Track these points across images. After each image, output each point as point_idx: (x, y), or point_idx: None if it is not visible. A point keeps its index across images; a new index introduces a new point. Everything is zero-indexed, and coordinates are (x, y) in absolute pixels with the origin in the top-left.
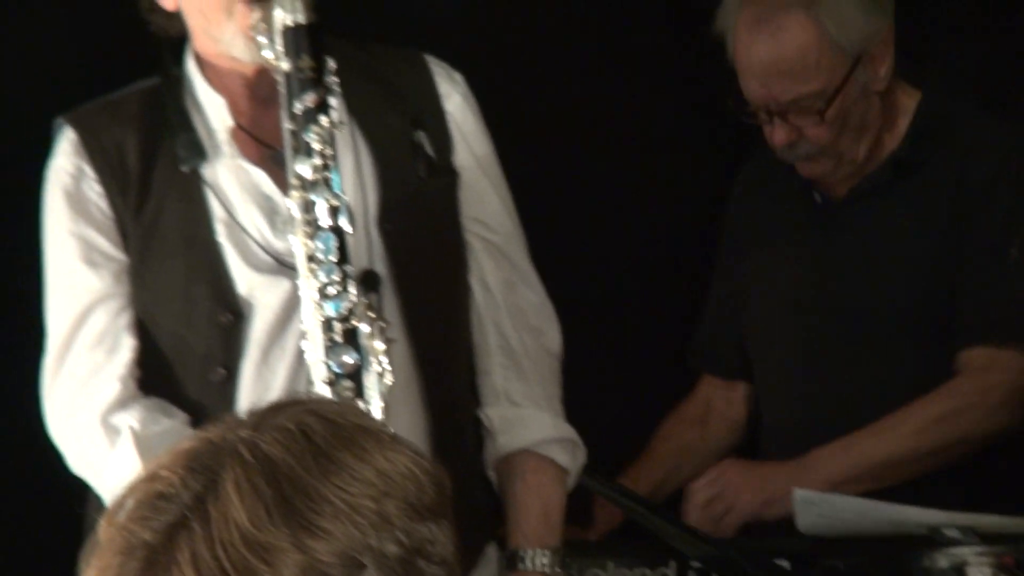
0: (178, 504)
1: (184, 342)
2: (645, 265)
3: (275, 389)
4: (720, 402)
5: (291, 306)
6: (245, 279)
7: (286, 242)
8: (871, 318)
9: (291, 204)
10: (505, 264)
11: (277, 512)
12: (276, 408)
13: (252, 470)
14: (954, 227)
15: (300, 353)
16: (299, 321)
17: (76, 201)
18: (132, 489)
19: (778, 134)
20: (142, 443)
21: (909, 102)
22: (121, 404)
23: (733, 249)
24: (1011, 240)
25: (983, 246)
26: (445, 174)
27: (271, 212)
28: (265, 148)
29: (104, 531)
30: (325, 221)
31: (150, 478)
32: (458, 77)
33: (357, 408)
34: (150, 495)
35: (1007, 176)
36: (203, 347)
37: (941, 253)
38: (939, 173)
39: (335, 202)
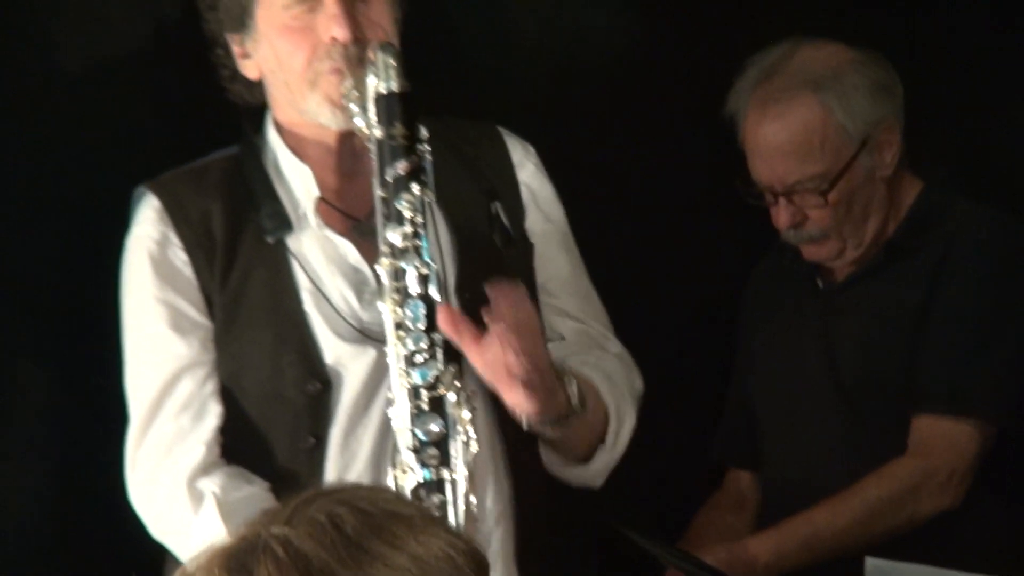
0: None
1: (273, 410)
2: (671, 356)
3: (361, 456)
4: (751, 491)
5: (377, 375)
6: (332, 348)
7: (372, 312)
8: (865, 394)
9: (381, 271)
10: (580, 328)
11: None
12: (307, 500)
13: (286, 567)
14: (929, 300)
15: (386, 421)
16: (385, 389)
17: (162, 267)
18: None
19: (783, 215)
20: (225, 509)
21: (912, 191)
22: (205, 470)
23: (746, 342)
24: (981, 314)
25: (947, 314)
26: (520, 243)
27: (357, 282)
28: (348, 219)
29: None
30: (414, 289)
31: None
32: (530, 148)
33: (389, 493)
34: None
35: (982, 254)
36: (292, 415)
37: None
38: (924, 255)
39: (424, 270)
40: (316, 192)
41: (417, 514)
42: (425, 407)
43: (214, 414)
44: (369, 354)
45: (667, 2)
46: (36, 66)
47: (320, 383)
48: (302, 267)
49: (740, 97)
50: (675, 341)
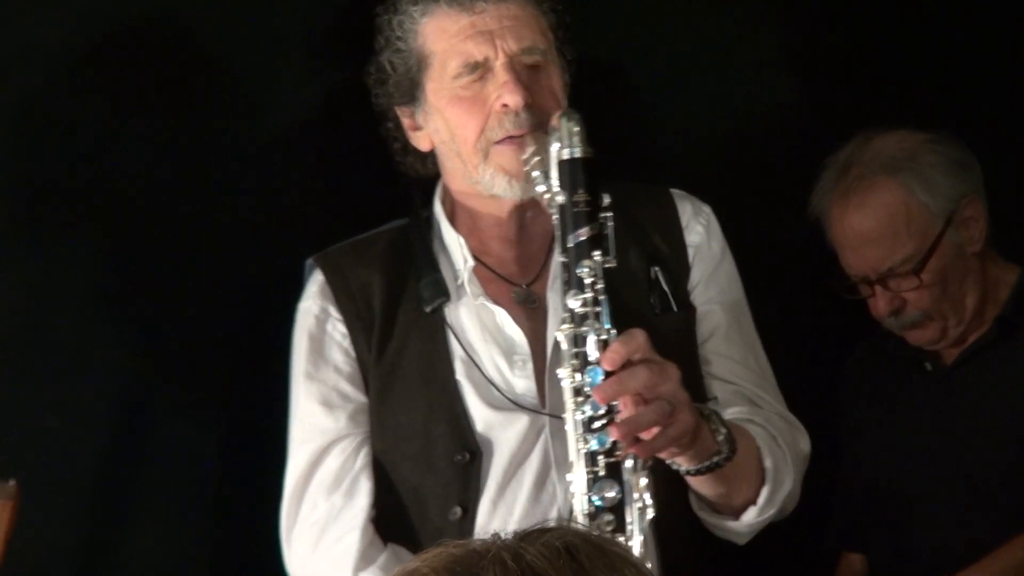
0: None
1: (423, 481)
2: None
3: (511, 525)
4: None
5: (526, 443)
6: (482, 417)
7: (523, 380)
8: (990, 472)
9: (560, 338)
10: (734, 389)
11: None
12: (544, 529)
13: (513, 574)
14: None
15: (535, 489)
16: (535, 457)
17: (319, 343)
18: None
19: (881, 303)
20: None
21: (1009, 275)
22: (366, 559)
23: (853, 428)
24: None
25: None
26: (681, 308)
27: (509, 351)
28: (509, 285)
29: None
30: (593, 355)
31: None
32: (705, 209)
33: (623, 544)
34: None
35: None
36: (441, 486)
37: None
38: None
39: (604, 336)
40: (471, 261)
41: (643, 565)
42: (602, 473)
43: (365, 492)
44: (519, 422)
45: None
46: (216, 143)
47: (469, 453)
48: (456, 337)
49: (822, 197)
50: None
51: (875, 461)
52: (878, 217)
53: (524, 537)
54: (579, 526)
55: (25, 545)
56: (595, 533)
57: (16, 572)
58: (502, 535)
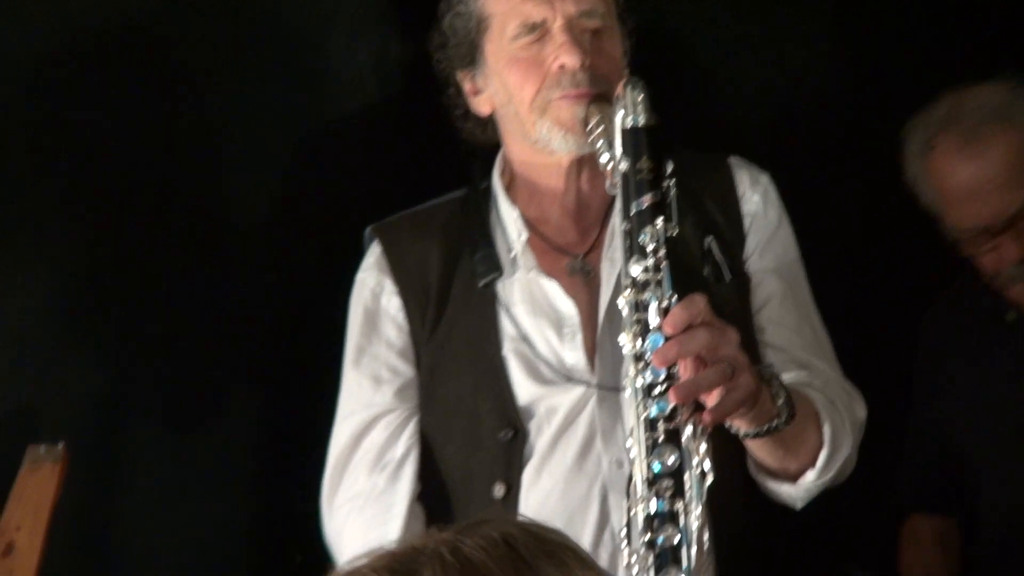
0: None
1: (468, 459)
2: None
3: (553, 497)
4: (937, 535)
5: (573, 415)
6: (528, 393)
7: (572, 352)
8: None
9: (621, 304)
10: (788, 358)
11: None
12: (482, 520)
13: (451, 570)
14: None
15: (578, 460)
16: (580, 428)
17: (372, 316)
18: None
19: (1011, 249)
20: None
21: None
22: None
23: (930, 384)
24: None
25: None
26: (735, 277)
27: (560, 323)
28: (562, 256)
29: None
30: (654, 322)
31: None
32: (763, 178)
33: (560, 531)
34: None
35: None
36: (486, 463)
37: None
38: None
39: (666, 303)
40: (525, 233)
41: (584, 553)
42: (661, 439)
43: (409, 477)
44: (567, 395)
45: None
46: (280, 111)
47: (513, 430)
48: (507, 311)
49: (921, 159)
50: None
51: (953, 417)
52: (999, 163)
53: (462, 530)
54: (522, 516)
55: (72, 508)
56: (538, 521)
57: (63, 535)
58: (439, 530)
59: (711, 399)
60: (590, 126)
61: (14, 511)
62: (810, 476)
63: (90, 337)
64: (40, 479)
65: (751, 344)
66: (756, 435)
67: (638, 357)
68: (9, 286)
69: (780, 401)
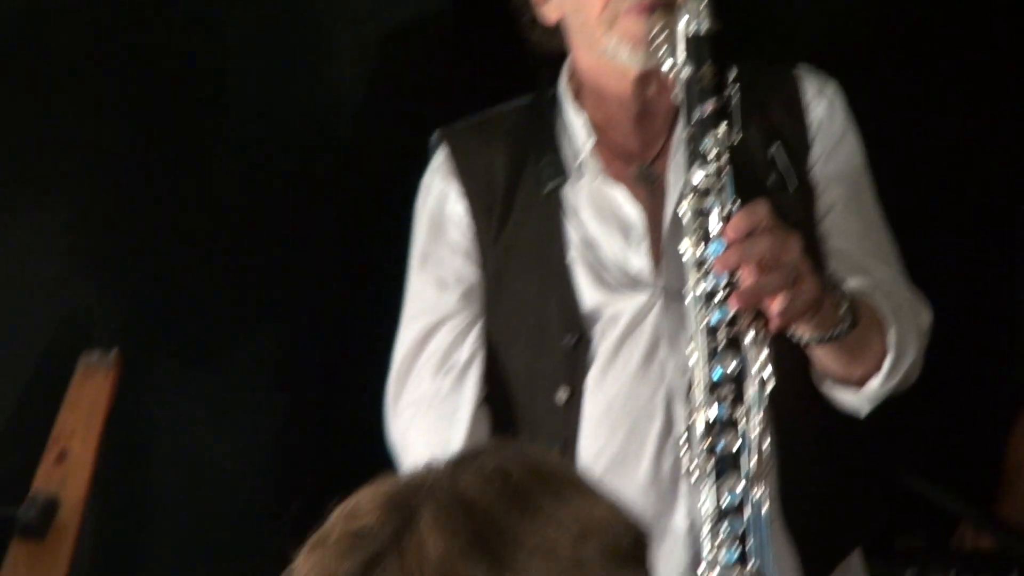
0: (376, 541)
1: (532, 364)
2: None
3: (617, 403)
4: None
5: (637, 322)
6: (592, 298)
7: (638, 258)
8: None
9: (683, 210)
10: (862, 273)
11: (473, 549)
12: (476, 452)
13: (449, 508)
14: None
15: (642, 367)
16: (643, 335)
17: (438, 220)
18: (331, 526)
19: None
20: None
21: None
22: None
23: None
24: None
25: None
26: (800, 185)
27: (626, 230)
28: (628, 164)
29: (304, 562)
30: (716, 228)
31: (349, 516)
32: (830, 87)
33: (558, 458)
34: (349, 532)
35: None
36: (550, 368)
37: None
38: None
39: (728, 210)
40: (592, 139)
41: (584, 479)
42: (722, 345)
43: (473, 383)
44: (631, 301)
45: None
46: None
47: (577, 335)
48: (572, 217)
49: None
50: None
51: None
52: None
53: (457, 464)
54: (517, 445)
55: (125, 415)
56: (534, 449)
57: (117, 441)
58: (435, 465)
59: (774, 306)
60: (653, 33)
61: (68, 418)
62: (875, 383)
63: (143, 244)
64: (93, 386)
65: (815, 253)
66: (820, 342)
67: (699, 263)
68: (62, 192)
69: (844, 307)
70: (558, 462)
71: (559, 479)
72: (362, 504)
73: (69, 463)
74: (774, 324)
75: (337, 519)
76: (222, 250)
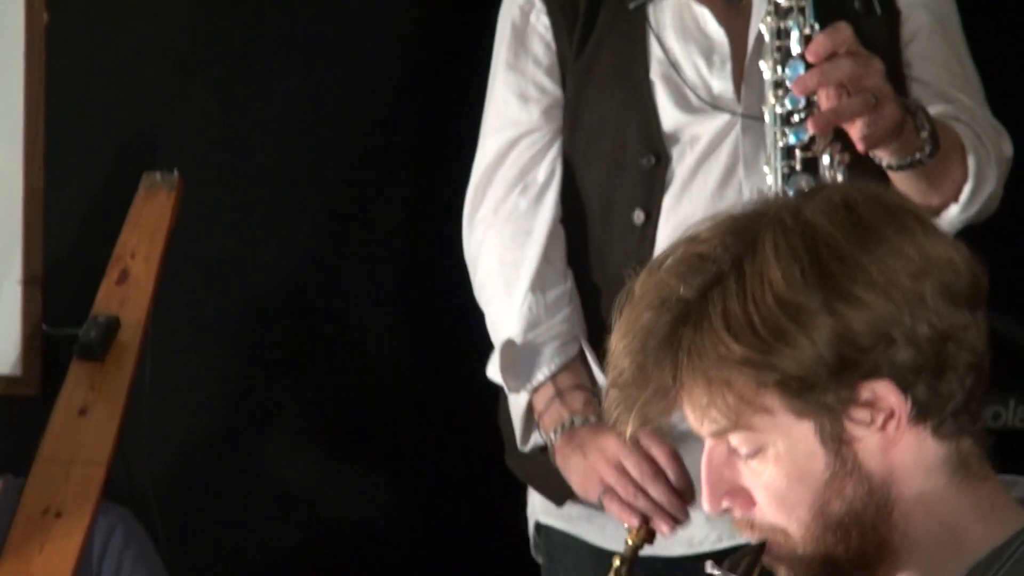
0: (716, 264)
1: (608, 182)
2: None
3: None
4: None
5: (716, 142)
6: (672, 119)
7: (721, 80)
8: None
9: (763, 29)
10: (936, 92)
11: (812, 275)
12: (823, 186)
13: (792, 234)
14: None
15: (719, 187)
16: (722, 156)
17: (521, 34)
18: (673, 248)
19: None
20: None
21: None
22: (539, 278)
23: None
24: None
25: None
26: (885, 11)
27: (709, 50)
28: None
29: (641, 284)
30: (796, 49)
31: (692, 240)
32: None
33: (904, 195)
34: (690, 255)
35: None
36: (627, 187)
37: None
38: None
39: (808, 31)
40: None
41: (929, 217)
42: (798, 167)
43: (551, 201)
44: (712, 122)
45: None
46: None
47: (655, 156)
48: (656, 36)
49: None
50: None
51: None
52: None
53: (803, 195)
54: (862, 183)
55: (187, 235)
56: (883, 187)
57: (177, 262)
58: (780, 195)
59: (853, 130)
60: None
61: (129, 237)
62: (954, 210)
63: (205, 66)
64: (155, 206)
65: (898, 79)
66: (899, 167)
67: (778, 84)
68: (126, 14)
69: (925, 133)
70: (903, 197)
71: (905, 213)
72: (705, 230)
73: (130, 283)
74: (858, 147)
75: (677, 245)
76: (289, 74)
